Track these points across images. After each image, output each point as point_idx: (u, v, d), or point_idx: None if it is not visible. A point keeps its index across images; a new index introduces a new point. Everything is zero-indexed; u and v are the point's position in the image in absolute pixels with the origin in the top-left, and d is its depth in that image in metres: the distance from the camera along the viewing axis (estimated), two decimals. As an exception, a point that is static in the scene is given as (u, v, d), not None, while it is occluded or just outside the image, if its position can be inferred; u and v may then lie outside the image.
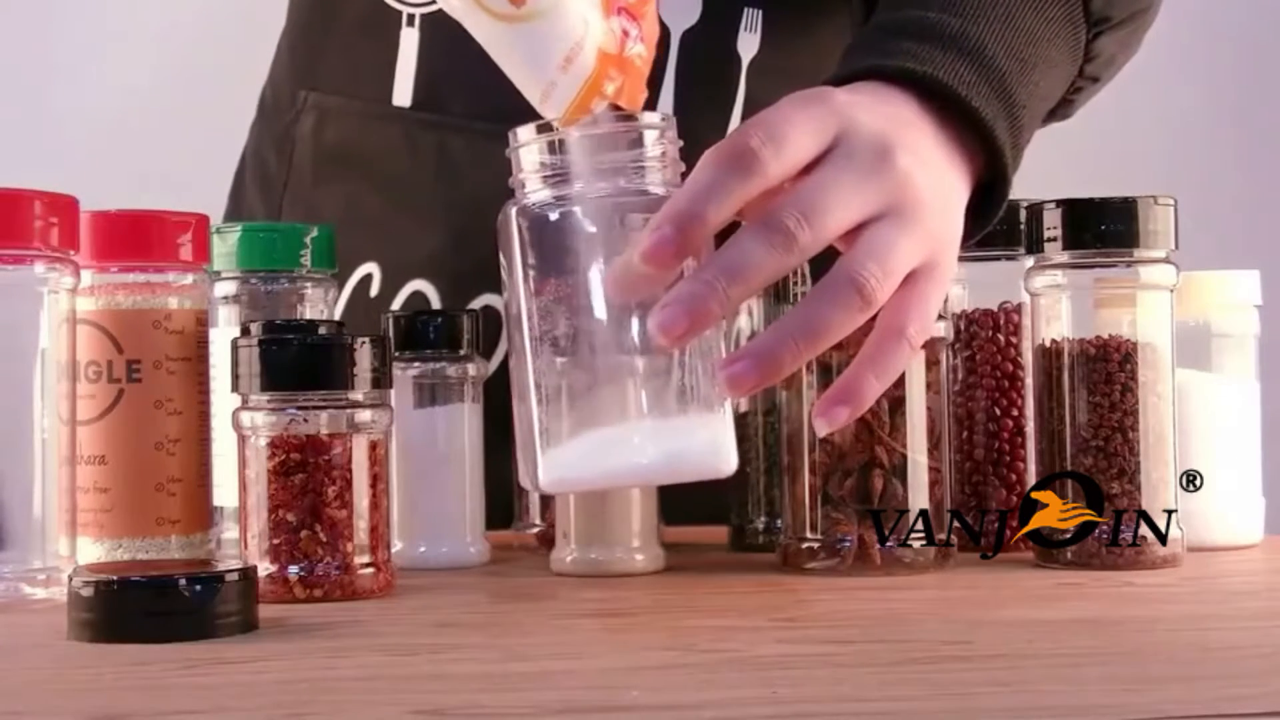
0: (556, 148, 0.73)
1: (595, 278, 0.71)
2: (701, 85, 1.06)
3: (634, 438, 0.70)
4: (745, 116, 1.06)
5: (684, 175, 0.73)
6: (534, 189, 0.73)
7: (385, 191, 1.09)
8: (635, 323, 0.71)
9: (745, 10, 1.07)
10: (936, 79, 0.78)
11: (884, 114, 0.75)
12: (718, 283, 0.68)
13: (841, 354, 0.79)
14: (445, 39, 1.05)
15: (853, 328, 0.71)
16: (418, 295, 1.07)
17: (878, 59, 0.79)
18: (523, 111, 0.99)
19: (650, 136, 0.73)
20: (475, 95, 1.04)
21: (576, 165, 0.72)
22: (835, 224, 0.71)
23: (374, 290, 1.07)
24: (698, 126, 1.06)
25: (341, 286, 1.06)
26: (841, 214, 0.71)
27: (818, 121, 0.72)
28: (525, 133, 0.74)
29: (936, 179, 0.75)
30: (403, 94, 1.07)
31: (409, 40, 1.07)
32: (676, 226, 0.68)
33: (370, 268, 1.07)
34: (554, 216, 0.72)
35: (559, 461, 0.70)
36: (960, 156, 0.78)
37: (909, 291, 0.72)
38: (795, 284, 0.84)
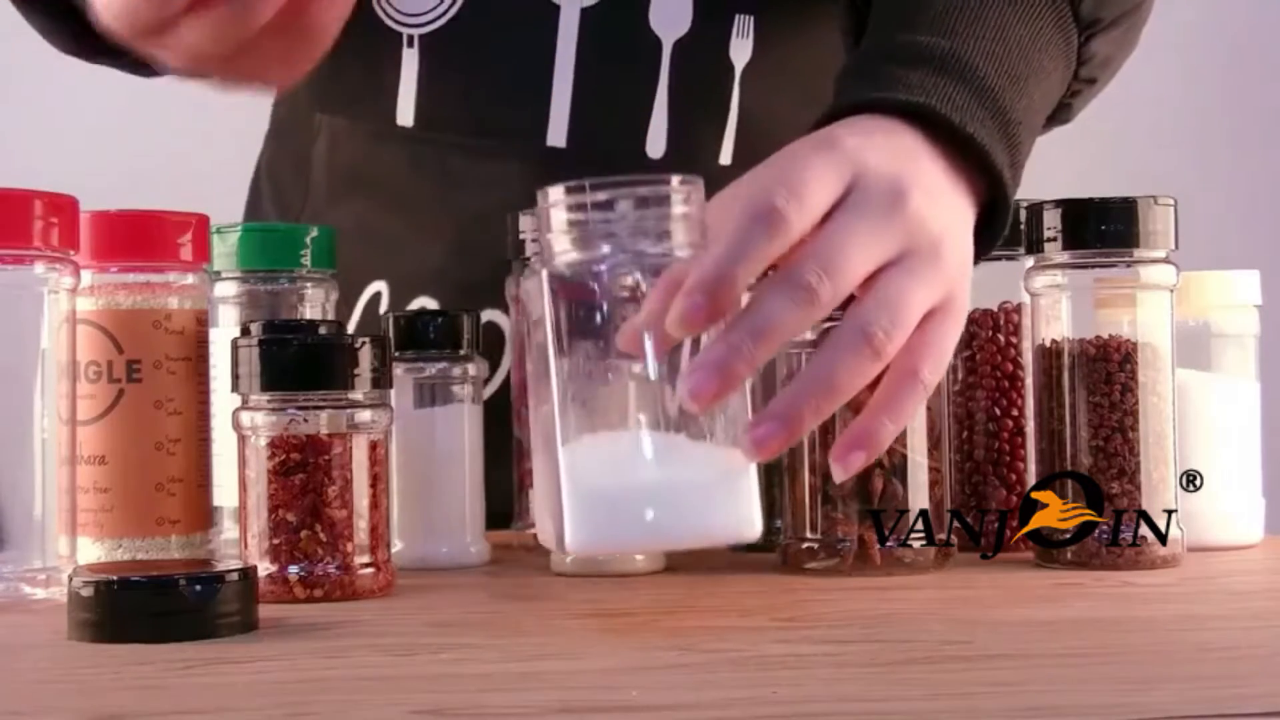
0: (586, 208, 0.72)
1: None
2: (695, 94, 1.06)
3: (661, 501, 0.70)
4: (740, 125, 1.06)
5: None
6: (562, 249, 0.72)
7: (392, 210, 1.10)
8: (665, 385, 0.71)
9: (736, 17, 1.06)
10: (930, 108, 0.78)
11: (891, 151, 0.75)
12: (744, 345, 0.69)
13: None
14: (443, 59, 1.06)
15: (869, 379, 0.72)
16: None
17: (871, 90, 0.80)
18: (519, 131, 0.98)
19: (677, 198, 0.73)
20: (473, 113, 1.05)
21: (605, 227, 0.71)
22: (854, 275, 0.72)
23: (383, 307, 1.08)
24: (692, 136, 1.07)
25: (352, 305, 1.07)
26: (860, 264, 0.72)
27: (834, 170, 0.73)
28: (555, 193, 0.73)
29: (947, 212, 0.76)
30: (405, 114, 1.07)
31: (410, 61, 1.07)
32: (707, 292, 0.69)
33: (379, 285, 1.08)
34: (584, 277, 0.72)
35: (585, 524, 0.70)
36: (963, 181, 0.79)
37: (924, 333, 0.73)
38: None
